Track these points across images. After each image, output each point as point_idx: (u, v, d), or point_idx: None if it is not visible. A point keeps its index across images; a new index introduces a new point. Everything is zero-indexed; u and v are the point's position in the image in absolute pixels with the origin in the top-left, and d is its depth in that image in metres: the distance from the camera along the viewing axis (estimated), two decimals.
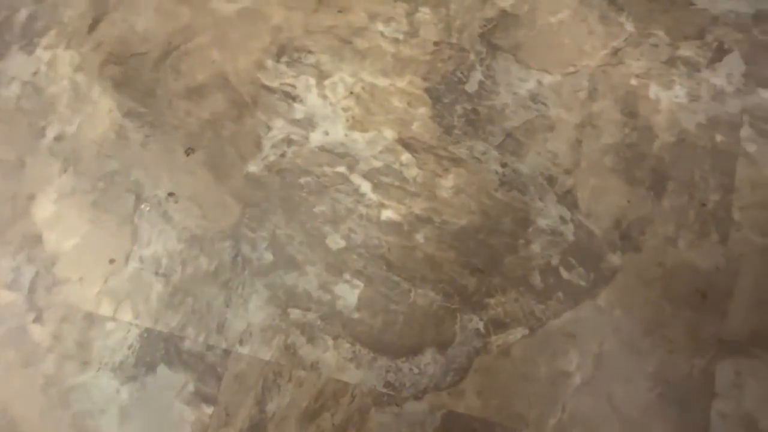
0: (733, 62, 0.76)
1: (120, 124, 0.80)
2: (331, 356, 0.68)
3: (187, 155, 0.77)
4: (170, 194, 0.76)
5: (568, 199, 0.73)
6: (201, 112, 0.80)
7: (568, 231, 0.71)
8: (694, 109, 0.75)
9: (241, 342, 0.69)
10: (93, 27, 0.85)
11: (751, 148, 0.73)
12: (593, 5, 0.80)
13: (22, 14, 0.87)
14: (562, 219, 0.72)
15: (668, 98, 0.75)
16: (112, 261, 0.74)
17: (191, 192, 0.76)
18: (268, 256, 0.73)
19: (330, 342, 0.69)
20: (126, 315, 0.72)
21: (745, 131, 0.73)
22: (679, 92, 0.75)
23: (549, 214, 0.72)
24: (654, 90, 0.76)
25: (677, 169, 0.73)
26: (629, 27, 0.79)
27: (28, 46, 0.85)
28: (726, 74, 0.76)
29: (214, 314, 0.71)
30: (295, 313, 0.71)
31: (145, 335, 0.70)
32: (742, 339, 0.66)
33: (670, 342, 0.66)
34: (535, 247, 0.71)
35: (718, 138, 0.73)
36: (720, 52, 0.77)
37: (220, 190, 0.76)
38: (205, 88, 0.81)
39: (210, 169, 0.77)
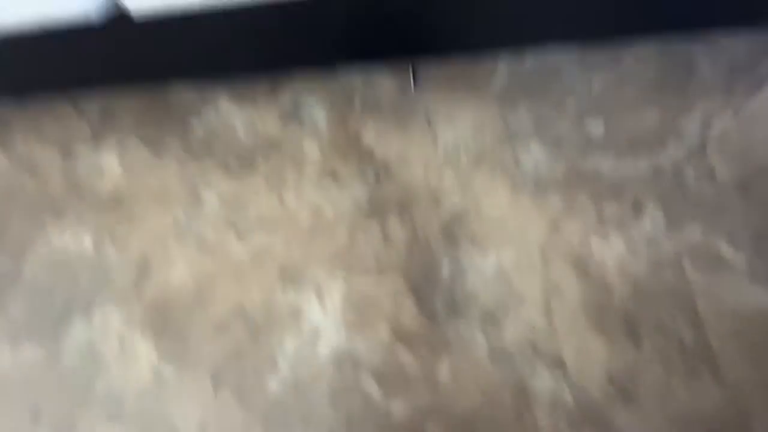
0: (652, 209, 0.91)
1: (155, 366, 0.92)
2: None
3: (214, 389, 0.87)
4: None
5: (556, 363, 0.79)
6: (225, 344, 0.92)
7: (566, 394, 0.76)
8: (636, 258, 0.86)
9: None
10: (138, 284, 1.04)
11: (699, 281, 0.82)
12: (523, 191, 0.99)
13: None
14: (557, 383, 0.77)
15: (611, 253, 0.88)
16: None
17: (220, 426, 0.83)
18: None
19: None
20: None
21: (687, 267, 0.83)
22: (618, 246, 0.88)
23: (543, 381, 0.77)
24: (596, 248, 0.89)
25: (644, 315, 0.80)
26: (557, 200, 0.96)
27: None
28: (650, 220, 0.90)
29: None
30: None
31: None
32: None
33: None
34: (542, 418, 0.74)
35: (668, 278, 0.83)
36: (638, 205, 0.92)
37: (245, 417, 0.83)
38: (226, 322, 0.95)
39: (235, 397, 0.85)
